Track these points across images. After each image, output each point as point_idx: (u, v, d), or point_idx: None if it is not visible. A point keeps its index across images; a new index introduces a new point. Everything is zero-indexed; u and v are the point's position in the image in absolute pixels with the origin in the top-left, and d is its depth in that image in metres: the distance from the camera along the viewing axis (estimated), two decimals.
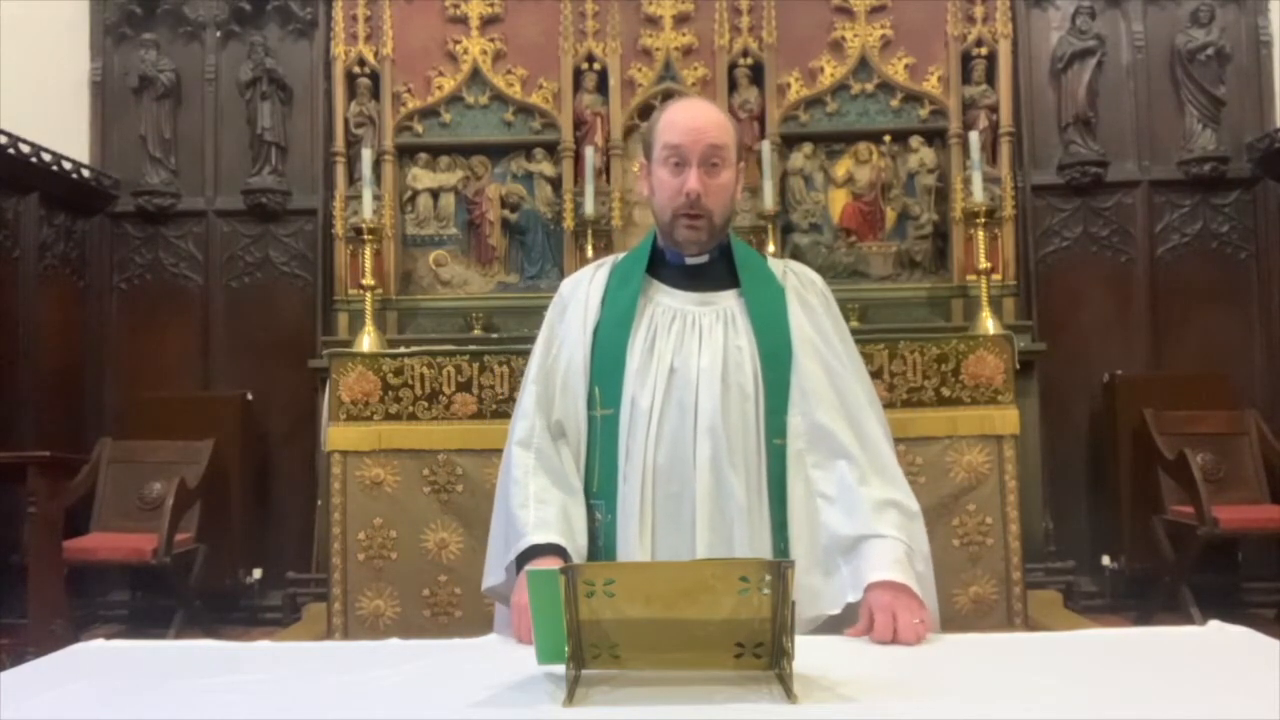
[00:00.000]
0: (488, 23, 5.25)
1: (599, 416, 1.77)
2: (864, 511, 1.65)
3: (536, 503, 1.71)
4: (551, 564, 1.56)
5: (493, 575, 1.79)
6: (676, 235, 1.78)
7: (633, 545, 1.70)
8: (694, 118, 1.75)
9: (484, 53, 5.22)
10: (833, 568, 1.64)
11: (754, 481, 1.72)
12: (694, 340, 1.77)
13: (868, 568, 1.58)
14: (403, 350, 3.47)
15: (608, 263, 1.91)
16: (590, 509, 1.76)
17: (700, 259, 1.81)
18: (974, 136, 4.79)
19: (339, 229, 5.09)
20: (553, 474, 1.75)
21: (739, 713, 1.10)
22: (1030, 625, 3.14)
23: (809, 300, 1.83)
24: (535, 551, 1.64)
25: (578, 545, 1.70)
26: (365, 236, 4.77)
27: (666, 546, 1.70)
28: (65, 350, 5.02)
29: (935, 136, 5.16)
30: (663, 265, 1.84)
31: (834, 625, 1.59)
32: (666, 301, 1.81)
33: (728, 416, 1.72)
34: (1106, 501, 4.94)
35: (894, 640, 1.44)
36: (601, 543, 1.75)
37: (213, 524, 4.67)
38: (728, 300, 1.81)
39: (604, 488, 1.76)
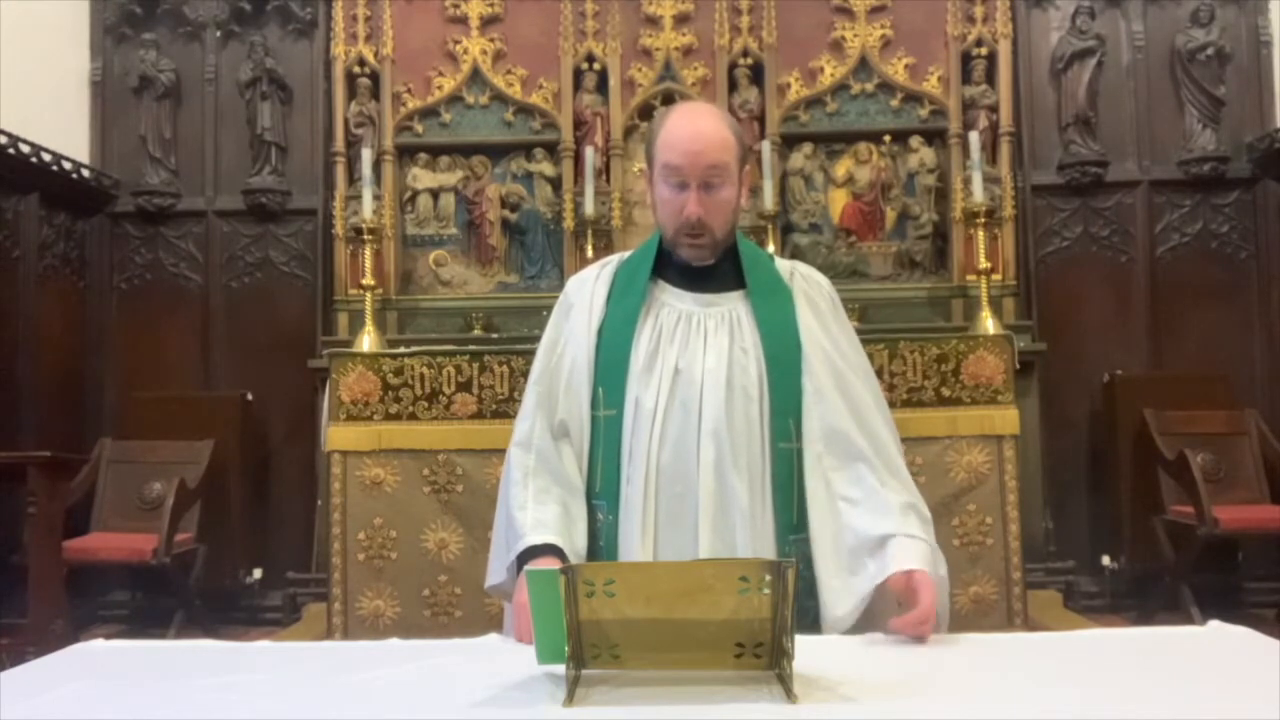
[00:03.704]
0: (488, 23, 5.25)
1: (602, 417, 1.76)
2: (892, 512, 1.66)
3: (535, 504, 1.72)
4: (549, 564, 1.56)
5: (494, 575, 1.79)
6: (679, 252, 1.78)
7: (635, 546, 1.70)
8: (693, 137, 1.71)
9: (484, 53, 5.22)
10: (859, 566, 1.65)
11: (758, 485, 1.72)
12: (699, 342, 1.76)
13: (902, 557, 1.59)
14: (403, 350, 3.47)
15: (613, 262, 1.90)
16: (592, 509, 1.76)
17: (705, 262, 1.81)
18: (974, 136, 4.79)
19: (339, 229, 5.10)
20: (553, 474, 1.75)
21: (739, 713, 1.10)
22: (1030, 625, 3.14)
23: (818, 304, 1.82)
24: (533, 552, 1.64)
25: (576, 546, 1.70)
26: (365, 236, 4.77)
27: (669, 548, 1.70)
28: (65, 350, 5.02)
29: (935, 136, 5.17)
30: (668, 265, 1.83)
31: (864, 624, 1.59)
32: (672, 302, 1.80)
33: (732, 419, 1.71)
34: (1106, 501, 4.94)
35: (919, 627, 1.46)
36: (603, 543, 1.75)
37: (213, 524, 4.67)
38: (733, 302, 1.80)
39: (606, 488, 1.75)
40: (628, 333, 1.77)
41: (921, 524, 1.67)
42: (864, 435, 1.73)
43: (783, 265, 1.89)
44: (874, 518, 1.66)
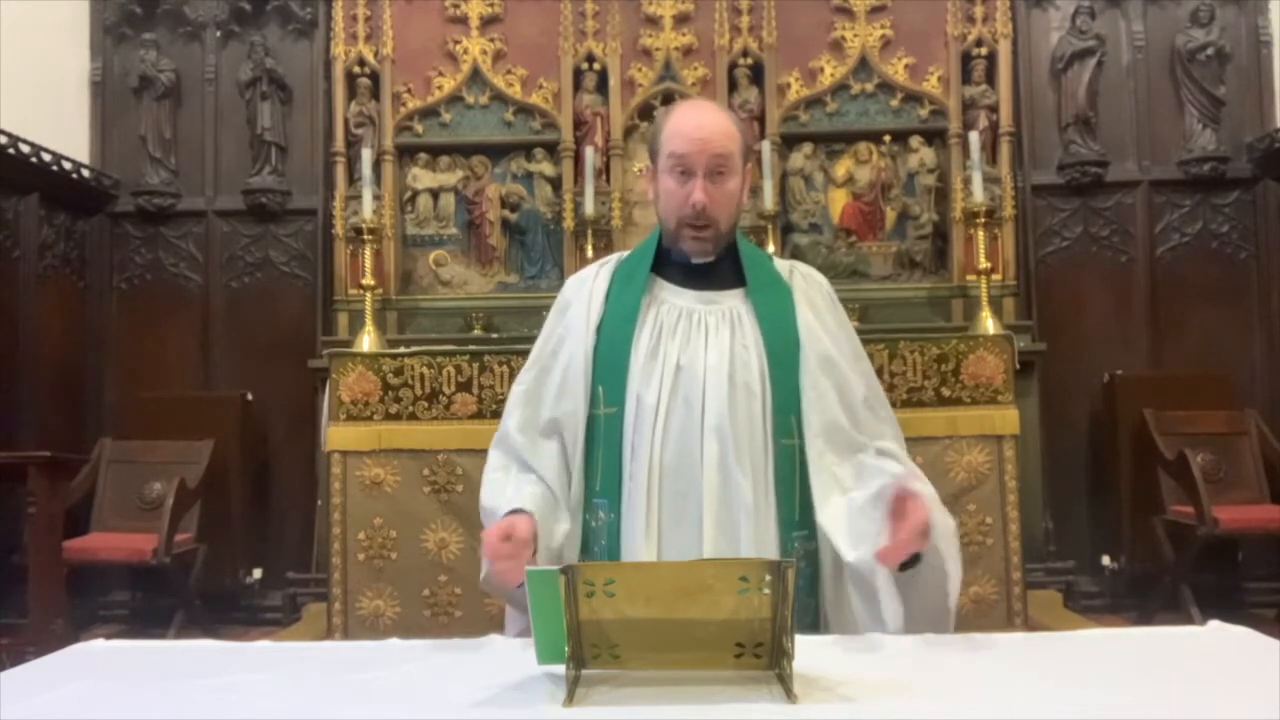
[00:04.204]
0: (488, 23, 5.25)
1: (602, 415, 1.76)
2: (888, 472, 1.70)
3: (514, 487, 1.74)
4: (522, 522, 1.60)
5: (484, 568, 1.80)
6: (682, 245, 1.78)
7: (638, 544, 1.70)
8: (700, 126, 1.74)
9: (484, 53, 5.22)
10: (868, 520, 1.65)
11: (761, 481, 1.72)
12: (700, 339, 1.76)
13: (894, 471, 1.63)
14: (403, 350, 3.47)
15: (611, 260, 1.91)
16: (594, 508, 1.76)
17: (706, 258, 1.81)
18: (974, 136, 4.79)
19: (339, 229, 5.09)
20: (532, 471, 1.77)
21: (739, 713, 1.10)
22: (1030, 625, 3.14)
23: (815, 300, 1.84)
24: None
25: (551, 530, 1.70)
26: (365, 236, 4.77)
27: (673, 545, 1.69)
28: (65, 350, 5.02)
29: (935, 136, 5.16)
30: (668, 263, 1.83)
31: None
32: (672, 300, 1.80)
33: (734, 415, 1.71)
34: (1106, 501, 4.94)
35: (909, 541, 1.50)
36: (605, 542, 1.74)
37: (213, 524, 4.67)
38: (733, 300, 1.80)
39: (607, 487, 1.75)
40: (628, 330, 1.77)
41: (905, 465, 1.71)
42: (859, 428, 1.76)
43: (781, 264, 1.90)
44: (871, 480, 1.69)
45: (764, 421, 1.73)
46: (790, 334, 1.77)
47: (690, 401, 1.72)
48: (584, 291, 1.85)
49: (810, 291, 1.85)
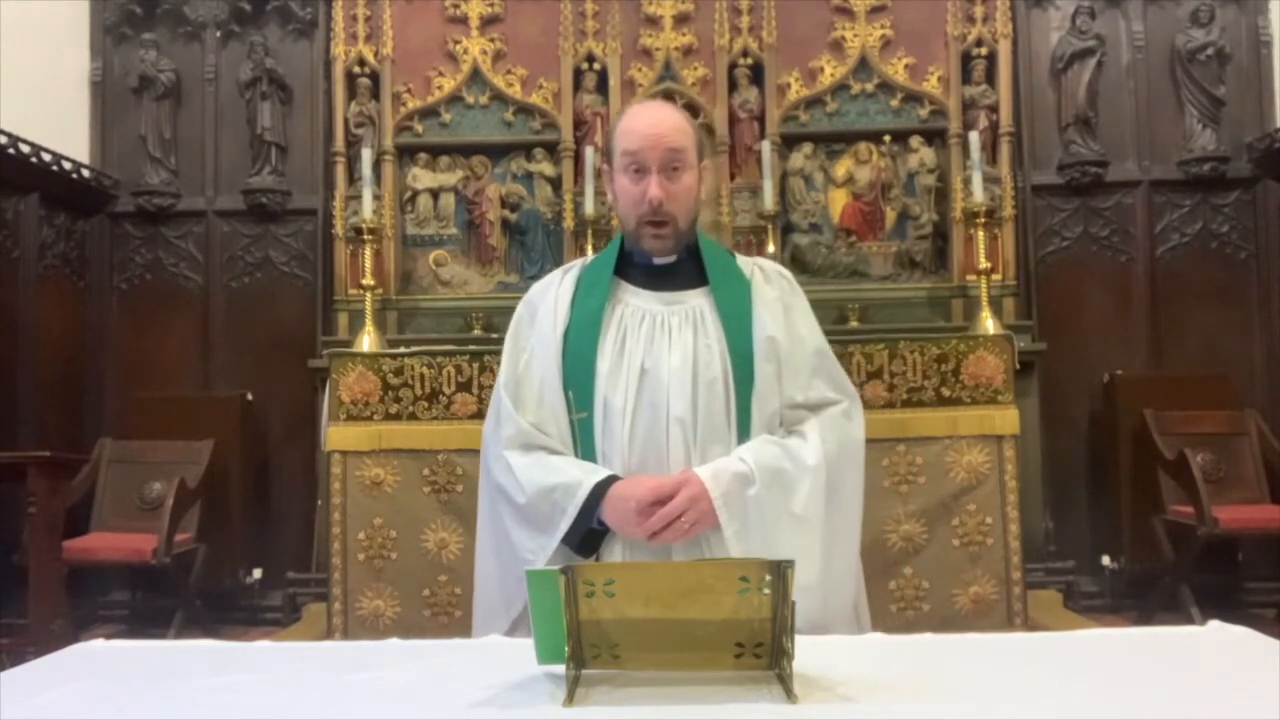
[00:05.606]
0: (488, 23, 5.26)
1: (575, 420, 1.78)
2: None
3: (578, 465, 1.75)
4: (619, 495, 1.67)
5: (537, 551, 1.75)
6: (643, 244, 1.80)
7: (613, 545, 1.73)
8: (652, 123, 1.76)
9: (484, 53, 5.23)
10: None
11: None
12: (664, 340, 1.78)
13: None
14: (403, 350, 3.47)
15: (575, 266, 1.92)
16: None
17: (668, 259, 1.82)
18: (974, 136, 4.79)
19: (339, 229, 5.10)
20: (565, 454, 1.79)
21: (739, 713, 1.10)
22: (1030, 625, 3.14)
23: (766, 294, 1.85)
24: (600, 490, 1.69)
25: None
26: (365, 236, 4.78)
27: (644, 545, 1.71)
28: (65, 350, 5.02)
29: (935, 136, 5.16)
30: (631, 266, 1.85)
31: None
32: (635, 302, 1.82)
33: (699, 414, 1.74)
34: (1106, 501, 4.94)
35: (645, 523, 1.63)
36: None
37: (213, 524, 4.67)
38: (696, 299, 1.82)
39: None
40: (593, 334, 1.78)
41: (766, 447, 1.73)
42: (796, 390, 1.80)
43: (744, 262, 1.92)
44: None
45: (728, 418, 1.75)
46: (750, 330, 1.79)
47: (656, 404, 1.74)
48: (549, 298, 1.86)
49: (767, 287, 1.86)
